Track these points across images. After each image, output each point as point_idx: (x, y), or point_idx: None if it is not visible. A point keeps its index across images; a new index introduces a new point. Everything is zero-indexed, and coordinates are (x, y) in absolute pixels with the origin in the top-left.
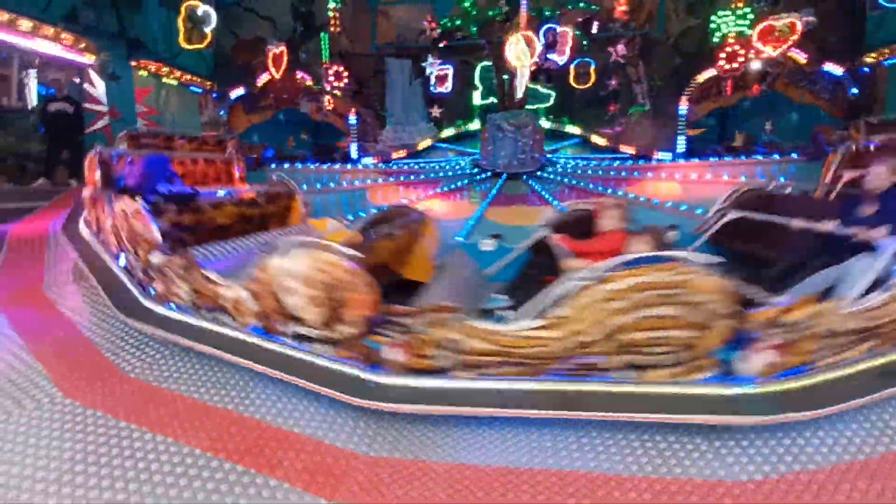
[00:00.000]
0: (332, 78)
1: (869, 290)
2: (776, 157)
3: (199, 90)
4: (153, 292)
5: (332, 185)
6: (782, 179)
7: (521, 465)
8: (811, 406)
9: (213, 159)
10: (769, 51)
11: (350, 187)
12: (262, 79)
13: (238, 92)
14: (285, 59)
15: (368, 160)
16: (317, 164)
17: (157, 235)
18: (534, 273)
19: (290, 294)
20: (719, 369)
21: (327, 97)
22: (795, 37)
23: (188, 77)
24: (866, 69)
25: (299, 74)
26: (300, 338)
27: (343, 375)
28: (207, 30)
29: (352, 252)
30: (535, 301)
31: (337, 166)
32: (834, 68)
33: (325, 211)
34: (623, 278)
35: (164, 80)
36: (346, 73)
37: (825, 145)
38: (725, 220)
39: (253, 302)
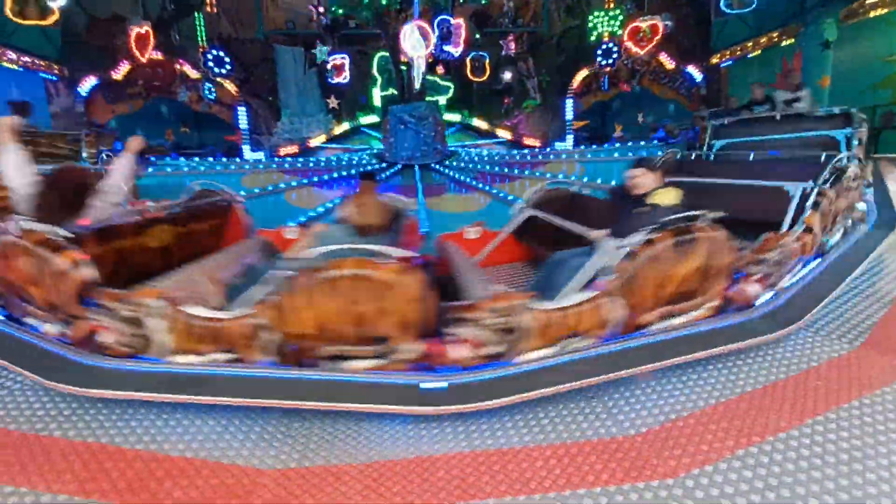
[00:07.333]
0: (211, 64)
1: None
2: (642, 143)
3: (53, 77)
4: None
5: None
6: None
7: (437, 453)
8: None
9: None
10: (637, 50)
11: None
12: (125, 63)
13: (95, 78)
14: (151, 40)
15: (259, 155)
16: (196, 164)
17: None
18: None
19: None
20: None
21: (209, 85)
22: (658, 38)
23: (28, 60)
24: (713, 68)
25: (173, 59)
26: None
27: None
28: (53, 4)
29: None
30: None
31: (226, 162)
32: (695, 71)
33: None
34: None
35: None
36: (227, 60)
37: (668, 136)
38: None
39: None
